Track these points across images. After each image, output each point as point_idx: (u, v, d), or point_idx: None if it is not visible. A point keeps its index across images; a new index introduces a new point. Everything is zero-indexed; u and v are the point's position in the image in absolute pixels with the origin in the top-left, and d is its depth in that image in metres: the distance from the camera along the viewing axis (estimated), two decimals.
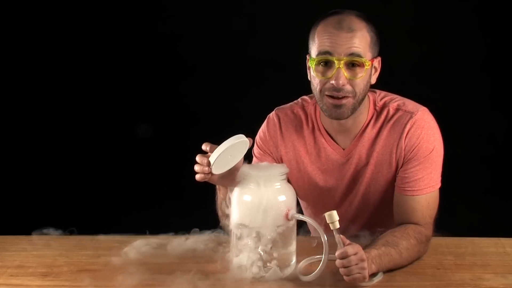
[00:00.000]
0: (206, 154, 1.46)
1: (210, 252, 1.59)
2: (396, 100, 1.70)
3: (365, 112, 1.69)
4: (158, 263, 1.58)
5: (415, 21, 3.44)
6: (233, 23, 3.54)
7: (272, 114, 1.80)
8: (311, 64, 1.61)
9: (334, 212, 1.41)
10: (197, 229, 1.68)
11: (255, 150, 1.81)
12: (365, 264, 1.40)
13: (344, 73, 1.56)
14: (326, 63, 1.58)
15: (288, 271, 1.48)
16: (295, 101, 1.81)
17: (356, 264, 1.39)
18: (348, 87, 1.57)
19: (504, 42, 3.44)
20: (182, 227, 1.74)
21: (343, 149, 1.71)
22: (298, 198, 1.81)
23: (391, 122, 1.67)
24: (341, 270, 1.40)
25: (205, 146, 1.48)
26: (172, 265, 1.56)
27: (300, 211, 1.53)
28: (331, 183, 1.75)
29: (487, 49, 3.46)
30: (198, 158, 1.47)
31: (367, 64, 1.57)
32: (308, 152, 1.75)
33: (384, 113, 1.68)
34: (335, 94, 1.58)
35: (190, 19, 3.63)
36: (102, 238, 1.74)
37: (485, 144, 3.46)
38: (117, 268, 1.56)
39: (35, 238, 1.75)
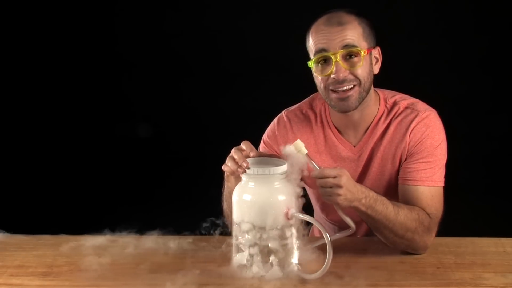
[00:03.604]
0: (245, 154, 1.48)
1: (210, 251, 1.59)
2: (407, 99, 1.74)
3: (374, 107, 1.72)
4: (158, 262, 1.58)
5: (415, 20, 3.44)
6: (234, 23, 3.54)
7: (282, 115, 1.82)
8: (310, 65, 1.64)
9: (298, 140, 1.49)
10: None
11: (261, 149, 1.82)
12: (341, 191, 1.44)
13: (343, 65, 1.59)
14: (324, 61, 1.61)
15: (288, 270, 1.48)
16: (303, 101, 1.82)
17: (331, 188, 1.44)
18: (350, 77, 1.61)
19: (505, 41, 3.44)
20: (182, 227, 1.74)
21: (354, 146, 1.72)
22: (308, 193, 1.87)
23: (399, 118, 1.70)
24: (320, 190, 1.47)
25: (246, 147, 1.50)
26: (172, 264, 1.56)
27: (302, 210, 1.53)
28: None
29: (487, 48, 3.46)
30: (237, 156, 1.47)
31: (363, 53, 1.59)
32: (319, 151, 1.77)
33: (395, 110, 1.71)
34: (339, 87, 1.61)
35: (191, 20, 3.63)
36: (102, 238, 1.73)
37: (485, 144, 3.46)
38: (117, 268, 1.56)
39: (35, 238, 1.75)
